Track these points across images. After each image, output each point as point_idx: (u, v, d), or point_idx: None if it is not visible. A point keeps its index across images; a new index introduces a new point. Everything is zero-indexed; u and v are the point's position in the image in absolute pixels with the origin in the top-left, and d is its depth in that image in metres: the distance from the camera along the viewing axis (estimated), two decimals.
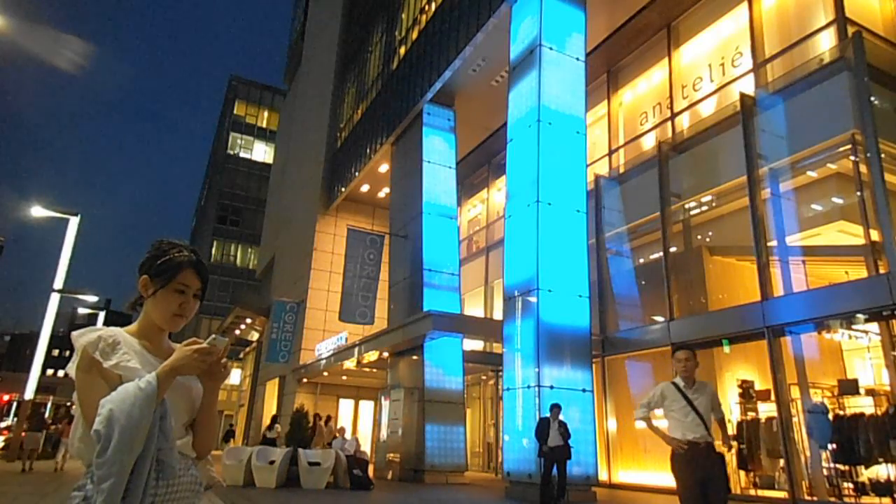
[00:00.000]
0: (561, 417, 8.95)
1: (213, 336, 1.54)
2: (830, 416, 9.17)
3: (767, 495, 9.62)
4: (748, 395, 10.29)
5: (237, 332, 32.21)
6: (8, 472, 13.16)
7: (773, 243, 10.51)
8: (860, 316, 9.00)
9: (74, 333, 1.52)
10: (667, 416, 4.15)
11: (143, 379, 1.41)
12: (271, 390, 26.37)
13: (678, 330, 11.51)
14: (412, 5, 19.99)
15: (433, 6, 17.86)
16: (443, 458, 13.47)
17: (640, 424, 4.25)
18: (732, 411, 10.56)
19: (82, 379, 1.47)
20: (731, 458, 10.34)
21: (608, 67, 15.56)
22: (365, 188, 22.88)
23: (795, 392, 9.60)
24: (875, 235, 8.95)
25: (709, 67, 13.08)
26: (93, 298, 23.95)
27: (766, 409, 9.90)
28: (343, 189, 23.39)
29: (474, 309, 19.28)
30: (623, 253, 14.10)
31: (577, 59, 12.10)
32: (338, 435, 13.71)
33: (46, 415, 31.17)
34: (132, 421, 1.35)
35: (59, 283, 18.52)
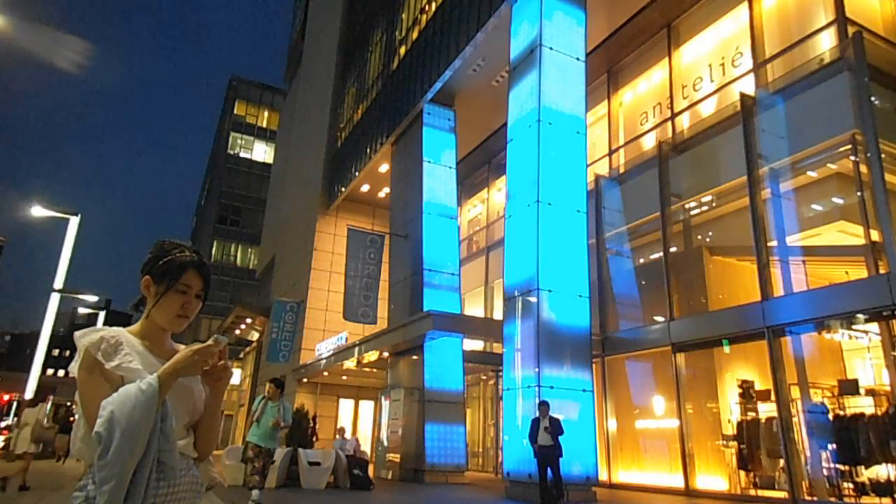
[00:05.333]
0: (553, 414, 8.84)
1: (215, 336, 1.54)
2: (830, 416, 9.17)
3: (767, 495, 9.61)
4: (748, 395, 10.29)
5: (237, 332, 32.18)
6: (37, 470, 13.36)
7: (773, 243, 10.51)
8: (860, 316, 9.00)
9: (77, 333, 1.51)
10: None
11: (144, 381, 1.41)
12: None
13: (678, 330, 11.51)
14: (412, 5, 19.97)
15: (433, 6, 17.85)
16: (443, 458, 13.46)
17: None
18: (732, 411, 10.57)
19: (84, 379, 1.47)
20: (731, 458, 10.36)
21: (608, 67, 15.55)
22: (365, 188, 22.87)
23: (795, 392, 9.60)
24: (875, 235, 8.95)
25: (709, 67, 13.07)
26: (93, 298, 23.93)
27: (766, 409, 9.89)
28: (343, 189, 23.39)
29: (474, 309, 19.28)
30: (623, 253, 14.09)
31: (577, 59, 12.09)
32: (338, 436, 13.72)
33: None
34: (133, 423, 1.34)
35: (59, 282, 18.49)
